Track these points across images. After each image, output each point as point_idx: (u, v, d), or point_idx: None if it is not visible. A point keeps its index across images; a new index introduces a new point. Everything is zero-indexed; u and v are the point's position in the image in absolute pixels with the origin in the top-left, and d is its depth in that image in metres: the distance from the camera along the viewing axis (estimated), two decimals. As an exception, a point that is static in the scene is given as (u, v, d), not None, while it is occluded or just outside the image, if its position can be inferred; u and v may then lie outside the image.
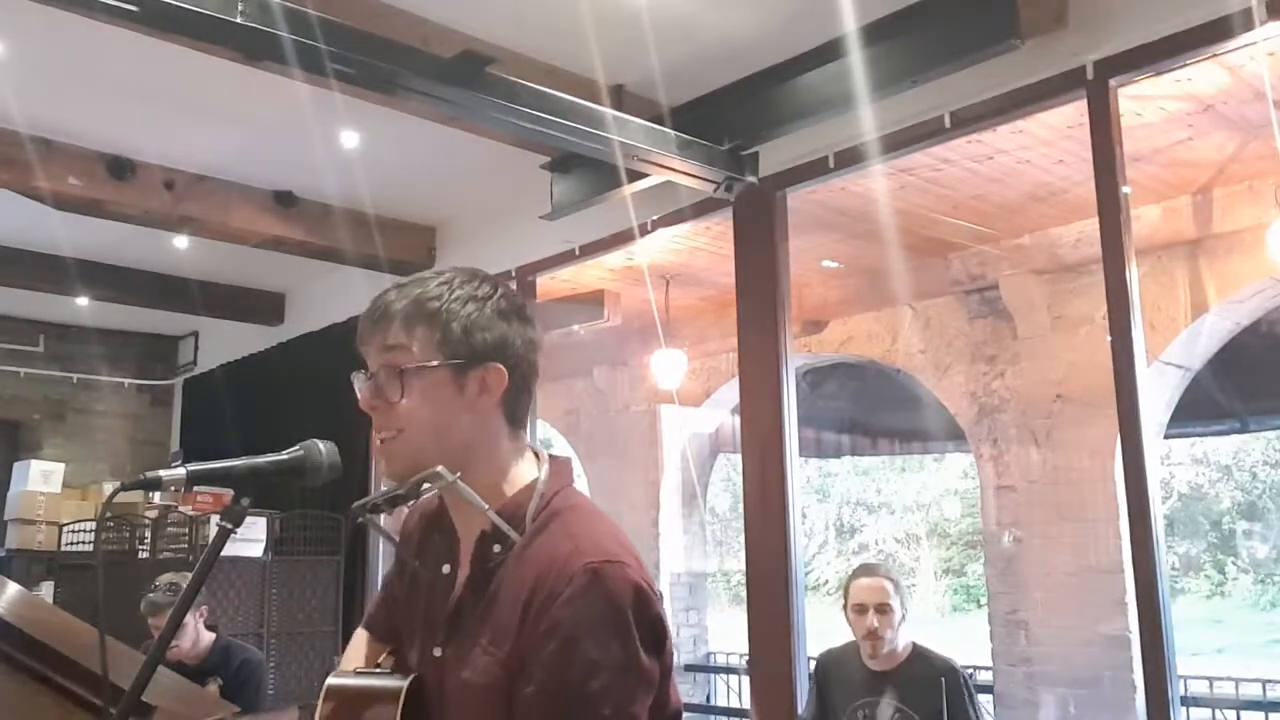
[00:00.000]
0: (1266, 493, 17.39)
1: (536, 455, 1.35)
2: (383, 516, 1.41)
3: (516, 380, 1.30)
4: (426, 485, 1.27)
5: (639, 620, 1.19)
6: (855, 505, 20.32)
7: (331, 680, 1.34)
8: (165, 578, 3.85)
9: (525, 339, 1.32)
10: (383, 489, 1.31)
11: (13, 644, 1.85)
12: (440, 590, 1.33)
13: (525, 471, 1.32)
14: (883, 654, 3.14)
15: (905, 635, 3.20)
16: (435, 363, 1.26)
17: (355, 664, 1.43)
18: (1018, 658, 5.68)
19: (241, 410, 6.86)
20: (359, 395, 1.30)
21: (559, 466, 1.34)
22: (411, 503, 1.37)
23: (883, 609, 3.13)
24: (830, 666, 3.32)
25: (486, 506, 1.26)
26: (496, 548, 1.27)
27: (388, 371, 1.27)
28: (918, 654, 3.18)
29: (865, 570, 3.32)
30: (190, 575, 3.83)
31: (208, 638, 3.90)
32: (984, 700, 4.79)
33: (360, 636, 1.51)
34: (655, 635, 1.21)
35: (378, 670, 1.37)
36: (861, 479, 19.84)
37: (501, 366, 1.29)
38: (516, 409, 1.32)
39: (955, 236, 5.40)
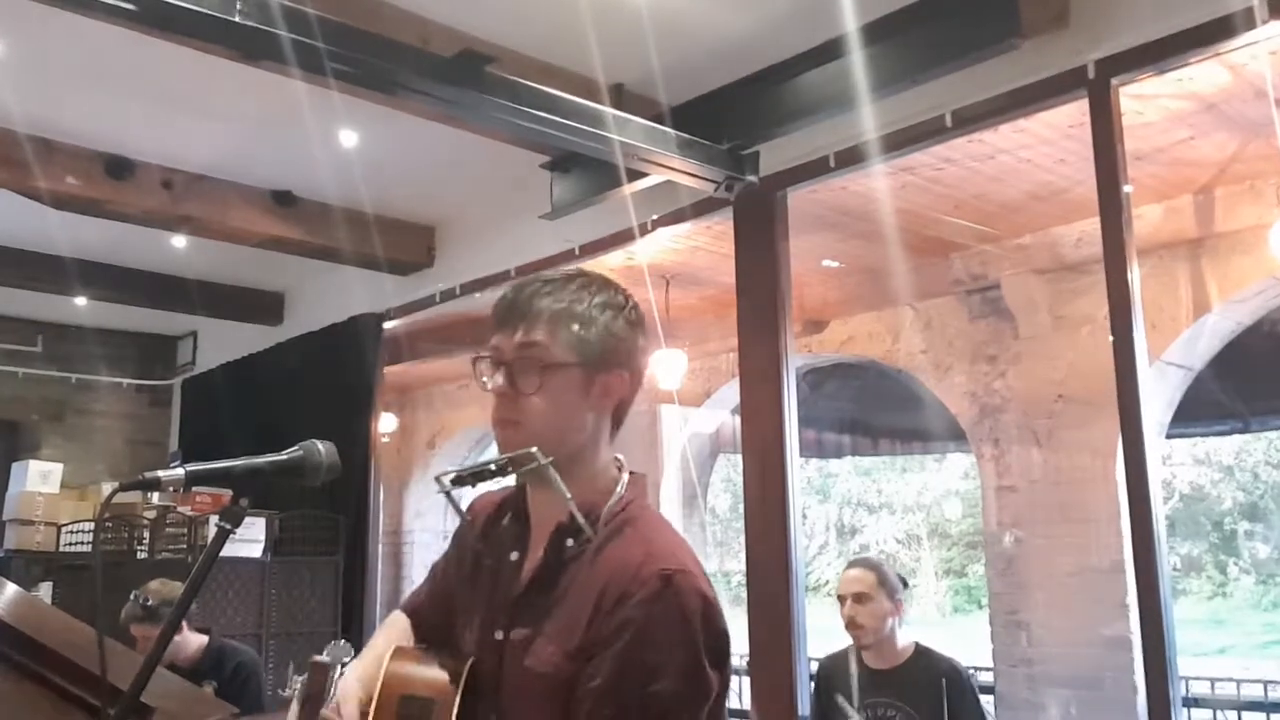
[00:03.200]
0: (1268, 493, 17.40)
1: (618, 466, 1.41)
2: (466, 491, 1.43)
3: (633, 388, 1.39)
4: (520, 467, 1.31)
5: (706, 630, 1.23)
6: (856, 506, 20.33)
7: (400, 643, 1.43)
8: (152, 586, 3.72)
9: (644, 350, 1.42)
10: (470, 463, 1.37)
11: (11, 645, 1.85)
12: (506, 576, 1.37)
13: (611, 478, 1.38)
14: (869, 645, 3.15)
15: (905, 633, 3.20)
16: (572, 363, 1.32)
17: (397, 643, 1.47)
18: (1019, 659, 5.66)
19: (240, 410, 6.85)
20: (484, 379, 1.34)
21: (637, 480, 1.41)
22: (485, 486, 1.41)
23: (860, 598, 3.15)
24: (830, 671, 3.32)
25: (569, 495, 1.30)
26: (570, 541, 1.32)
27: (525, 364, 1.32)
28: (920, 654, 3.18)
29: (851, 564, 3.38)
30: (173, 582, 3.80)
31: (198, 640, 3.82)
32: (985, 701, 4.78)
33: (402, 620, 1.53)
34: (720, 648, 1.25)
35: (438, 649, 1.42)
36: (862, 479, 19.84)
37: (625, 373, 1.37)
38: (622, 414, 1.40)
39: (956, 236, 5.39)
